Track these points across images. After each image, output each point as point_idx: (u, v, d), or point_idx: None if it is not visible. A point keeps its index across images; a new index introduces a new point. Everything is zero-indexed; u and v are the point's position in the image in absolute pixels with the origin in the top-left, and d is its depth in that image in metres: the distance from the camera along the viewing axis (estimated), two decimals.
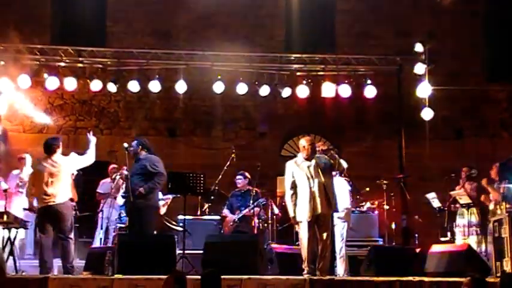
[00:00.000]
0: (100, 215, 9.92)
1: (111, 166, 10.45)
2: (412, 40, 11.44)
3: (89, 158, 8.27)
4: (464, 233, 9.25)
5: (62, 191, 7.96)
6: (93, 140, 8.36)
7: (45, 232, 7.94)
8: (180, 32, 12.97)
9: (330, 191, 7.65)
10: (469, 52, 13.00)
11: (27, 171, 9.89)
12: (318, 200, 7.57)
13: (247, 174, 9.99)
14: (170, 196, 9.59)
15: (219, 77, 11.22)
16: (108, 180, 10.34)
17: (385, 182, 9.94)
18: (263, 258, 8.18)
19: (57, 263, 8.39)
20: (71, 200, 8.16)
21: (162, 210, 9.62)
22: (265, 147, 12.81)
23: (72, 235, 8.09)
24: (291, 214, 7.73)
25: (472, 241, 9.02)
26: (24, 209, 9.29)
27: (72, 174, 8.35)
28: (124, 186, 9.03)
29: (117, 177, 9.78)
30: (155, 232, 8.80)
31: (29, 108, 12.16)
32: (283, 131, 13.22)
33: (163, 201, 9.56)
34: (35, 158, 9.50)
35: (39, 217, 8.11)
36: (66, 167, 8.09)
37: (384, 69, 11.59)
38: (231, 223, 9.68)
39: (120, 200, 9.80)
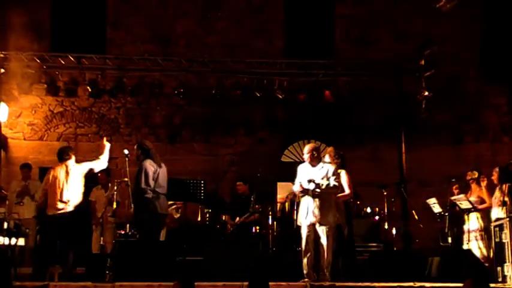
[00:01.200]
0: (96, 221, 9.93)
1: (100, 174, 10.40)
2: (411, 45, 11.45)
3: (101, 164, 8.34)
4: (467, 239, 9.18)
5: (75, 199, 8.02)
6: (107, 145, 8.42)
7: (50, 239, 7.97)
8: (180, 39, 12.98)
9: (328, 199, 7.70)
10: (468, 56, 12.99)
11: (32, 180, 9.95)
12: (314, 205, 7.61)
13: (247, 180, 10.00)
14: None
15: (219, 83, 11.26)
16: (99, 186, 10.33)
17: (384, 191, 9.95)
18: (264, 264, 8.18)
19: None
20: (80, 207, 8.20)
21: (176, 215, 9.61)
22: (265, 153, 12.80)
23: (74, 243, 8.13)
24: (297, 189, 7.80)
25: (474, 247, 8.98)
26: (34, 217, 9.31)
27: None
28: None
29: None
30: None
31: None
32: (283, 137, 13.21)
33: (174, 205, 9.51)
34: (33, 166, 9.53)
35: (49, 224, 8.12)
36: (80, 174, 8.13)
37: (383, 74, 11.60)
38: (231, 229, 9.69)
39: None
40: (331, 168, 7.80)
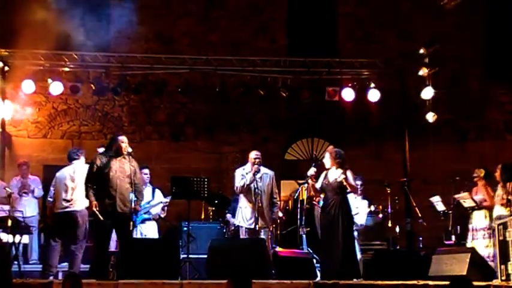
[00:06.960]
0: None
1: None
2: (415, 43, 11.44)
3: None
4: (472, 237, 9.13)
5: (80, 199, 8.08)
6: None
7: (57, 237, 8.05)
8: (183, 37, 12.99)
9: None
10: (472, 55, 12.98)
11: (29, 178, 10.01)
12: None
13: None
14: (168, 199, 9.32)
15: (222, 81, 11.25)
16: None
17: (388, 189, 9.95)
18: (267, 262, 8.18)
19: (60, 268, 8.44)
20: (86, 208, 8.24)
21: (162, 214, 9.52)
22: (269, 151, 12.77)
23: (83, 243, 8.18)
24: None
25: (479, 245, 8.94)
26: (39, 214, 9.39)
27: None
28: None
29: None
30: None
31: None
32: (287, 135, 13.21)
33: (162, 204, 9.38)
34: (37, 163, 9.56)
35: (55, 222, 8.23)
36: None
37: (387, 73, 11.59)
38: (232, 227, 9.68)
39: None
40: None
